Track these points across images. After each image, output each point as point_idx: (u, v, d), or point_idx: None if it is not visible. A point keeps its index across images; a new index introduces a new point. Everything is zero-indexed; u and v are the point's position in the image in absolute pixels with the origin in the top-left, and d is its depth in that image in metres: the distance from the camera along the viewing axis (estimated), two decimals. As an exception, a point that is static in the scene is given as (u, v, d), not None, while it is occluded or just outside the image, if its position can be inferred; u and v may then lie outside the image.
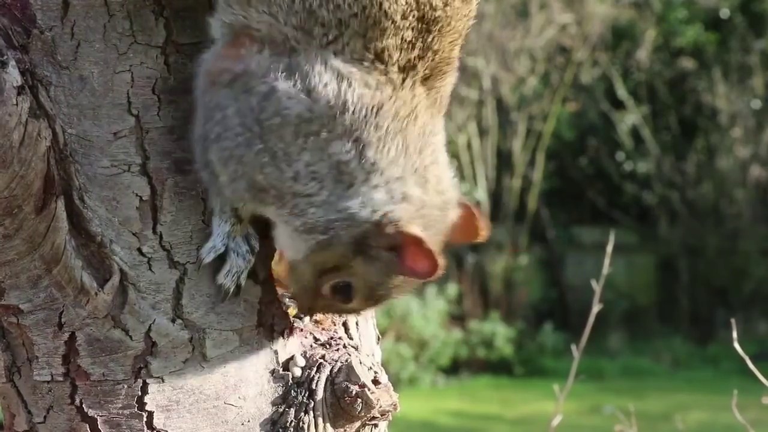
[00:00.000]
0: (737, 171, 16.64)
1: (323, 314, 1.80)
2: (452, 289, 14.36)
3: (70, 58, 1.64)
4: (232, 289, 1.68)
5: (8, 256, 1.64)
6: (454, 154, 15.70)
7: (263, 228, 1.72)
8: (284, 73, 1.56)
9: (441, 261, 1.58)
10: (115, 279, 1.66)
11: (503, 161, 16.32)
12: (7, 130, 1.56)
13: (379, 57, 1.57)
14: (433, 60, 1.61)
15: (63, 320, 1.67)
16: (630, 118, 16.87)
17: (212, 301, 1.71)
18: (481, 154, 15.93)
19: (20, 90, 1.58)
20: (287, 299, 1.79)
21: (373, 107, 1.57)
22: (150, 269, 1.67)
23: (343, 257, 1.62)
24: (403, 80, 1.60)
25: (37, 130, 1.60)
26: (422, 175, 1.62)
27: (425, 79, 1.62)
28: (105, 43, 1.65)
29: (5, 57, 1.58)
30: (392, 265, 1.62)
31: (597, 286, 3.12)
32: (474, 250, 15.73)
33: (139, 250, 1.67)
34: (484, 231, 1.72)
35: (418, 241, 1.58)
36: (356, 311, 1.73)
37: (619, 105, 16.89)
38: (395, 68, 1.59)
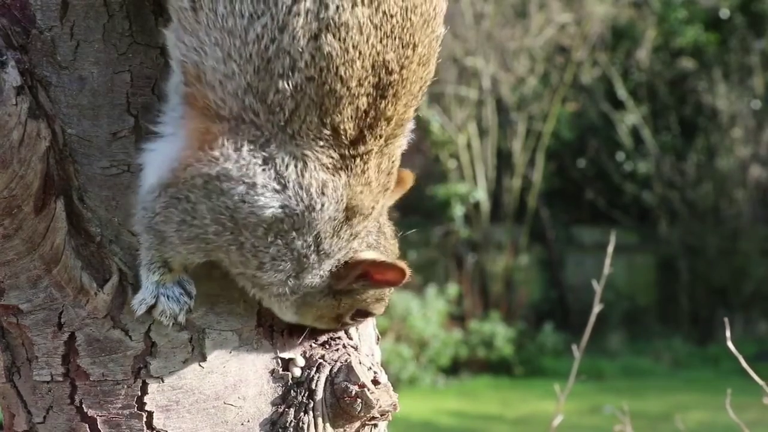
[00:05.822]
0: (737, 171, 16.64)
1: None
2: (452, 289, 14.36)
3: (70, 58, 1.64)
4: (171, 326, 1.67)
5: (8, 256, 1.64)
6: (453, 154, 15.71)
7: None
8: (261, 168, 1.55)
9: (402, 265, 1.67)
10: (115, 279, 1.66)
11: (503, 161, 16.32)
12: (6, 130, 1.56)
13: (335, 131, 1.55)
14: (385, 128, 1.59)
15: (63, 320, 1.67)
16: (630, 118, 16.86)
17: (211, 301, 1.71)
18: (481, 154, 15.93)
19: (20, 90, 1.58)
20: None
21: (333, 201, 1.58)
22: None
23: (330, 306, 1.70)
24: (354, 158, 1.58)
25: (37, 130, 1.60)
26: (358, 232, 1.67)
27: (377, 152, 1.61)
28: (104, 43, 1.65)
29: (5, 57, 1.58)
30: (369, 287, 1.71)
31: (597, 287, 3.12)
32: (474, 250, 15.73)
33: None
34: (408, 178, 1.78)
35: (372, 262, 1.66)
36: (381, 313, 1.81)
37: (619, 105, 16.89)
38: (348, 142, 1.57)
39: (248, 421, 1.72)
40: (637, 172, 17.03)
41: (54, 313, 1.67)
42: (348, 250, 1.65)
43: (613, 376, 13.50)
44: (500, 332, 13.96)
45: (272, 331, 1.75)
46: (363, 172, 1.60)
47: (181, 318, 1.66)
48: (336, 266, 1.65)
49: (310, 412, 1.72)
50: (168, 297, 1.66)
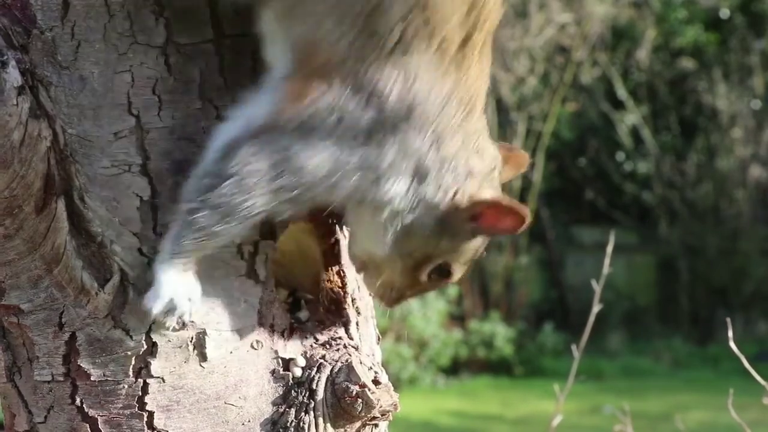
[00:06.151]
0: (737, 171, 16.64)
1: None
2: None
3: (71, 58, 1.64)
4: (177, 329, 1.67)
5: (9, 256, 1.64)
6: (454, 154, 15.68)
7: (266, 230, 1.72)
8: (353, 92, 1.58)
9: (525, 211, 1.66)
10: (116, 279, 1.66)
11: (503, 161, 16.29)
12: (7, 131, 1.56)
13: (443, 43, 1.60)
14: (485, 26, 1.64)
15: (63, 320, 1.67)
16: (630, 118, 16.86)
17: (212, 301, 1.71)
18: (481, 154, 15.91)
19: (20, 90, 1.58)
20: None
21: (444, 98, 1.61)
22: (150, 269, 1.67)
23: (429, 242, 1.69)
24: (463, 58, 1.63)
25: (38, 130, 1.60)
26: (480, 150, 1.69)
27: (479, 51, 1.66)
28: (105, 43, 1.65)
29: (6, 57, 1.58)
30: (478, 232, 1.71)
31: (597, 287, 3.12)
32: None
33: (140, 250, 1.67)
34: (525, 160, 1.84)
35: (495, 204, 1.67)
36: (451, 283, 1.81)
37: (619, 105, 16.88)
38: (456, 48, 1.61)
39: (249, 421, 1.72)
40: (637, 172, 17.03)
41: (55, 313, 1.67)
42: (467, 168, 1.65)
43: (613, 376, 13.49)
44: (500, 332, 13.96)
45: (273, 331, 1.76)
46: (468, 68, 1.64)
47: (187, 317, 1.66)
48: (456, 191, 1.65)
49: (311, 412, 1.72)
50: (179, 295, 1.65)
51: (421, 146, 1.62)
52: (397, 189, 1.63)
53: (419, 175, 1.63)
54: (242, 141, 1.59)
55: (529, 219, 1.66)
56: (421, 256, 1.71)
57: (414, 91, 1.59)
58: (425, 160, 1.63)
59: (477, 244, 1.74)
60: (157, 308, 1.63)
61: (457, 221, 1.67)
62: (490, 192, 1.68)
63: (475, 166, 1.67)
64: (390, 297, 1.78)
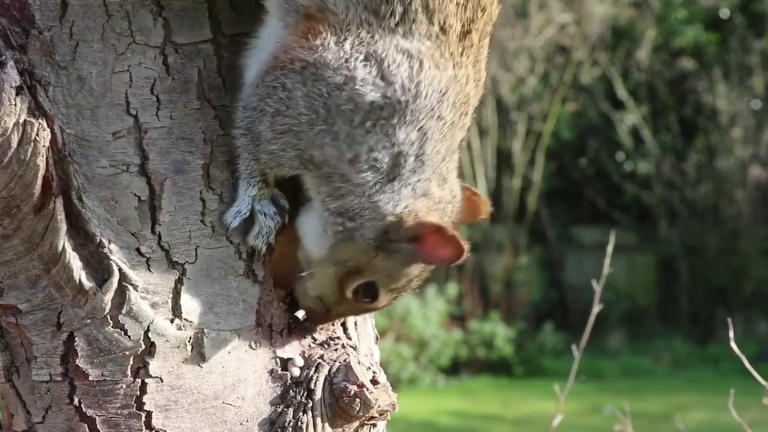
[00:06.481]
0: (737, 171, 16.63)
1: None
2: (452, 289, 14.35)
3: (69, 58, 1.65)
4: (263, 250, 1.69)
5: (7, 256, 1.64)
6: (454, 154, 15.66)
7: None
8: (362, 63, 1.59)
9: (465, 245, 1.64)
10: (114, 279, 1.66)
11: (503, 161, 16.31)
12: (5, 131, 1.56)
13: (443, 29, 1.61)
14: (482, 19, 1.65)
15: (61, 320, 1.67)
16: (630, 118, 16.86)
17: (211, 300, 1.71)
18: (481, 154, 15.93)
19: (19, 90, 1.58)
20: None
21: (440, 91, 1.61)
22: (149, 269, 1.67)
23: (364, 254, 1.68)
24: (461, 53, 1.63)
25: (36, 130, 1.60)
26: (444, 176, 1.68)
27: (475, 53, 1.66)
28: (103, 43, 1.65)
29: (4, 57, 1.58)
30: (414, 256, 1.68)
31: (597, 286, 3.12)
32: (474, 251, 15.72)
33: (138, 250, 1.67)
34: (486, 208, 1.80)
35: (438, 229, 1.64)
36: (378, 309, 1.77)
37: (619, 105, 16.88)
38: (455, 39, 1.62)
39: (247, 421, 1.72)
40: (637, 172, 17.02)
41: (53, 313, 1.67)
42: (425, 188, 1.64)
43: (613, 376, 13.49)
44: (500, 332, 13.96)
45: (271, 331, 1.76)
46: (465, 67, 1.64)
47: (272, 239, 1.68)
48: (406, 207, 1.64)
49: (309, 412, 1.72)
50: (265, 215, 1.68)
51: (403, 143, 1.62)
52: (366, 177, 1.62)
53: (389, 176, 1.63)
54: (258, 77, 1.64)
55: (467, 254, 1.64)
56: (353, 267, 1.69)
57: (417, 81, 1.60)
58: (401, 160, 1.62)
59: (411, 273, 1.71)
60: (235, 223, 1.67)
61: (396, 238, 1.66)
62: (436, 218, 1.66)
63: (433, 191, 1.66)
64: (318, 313, 1.76)
